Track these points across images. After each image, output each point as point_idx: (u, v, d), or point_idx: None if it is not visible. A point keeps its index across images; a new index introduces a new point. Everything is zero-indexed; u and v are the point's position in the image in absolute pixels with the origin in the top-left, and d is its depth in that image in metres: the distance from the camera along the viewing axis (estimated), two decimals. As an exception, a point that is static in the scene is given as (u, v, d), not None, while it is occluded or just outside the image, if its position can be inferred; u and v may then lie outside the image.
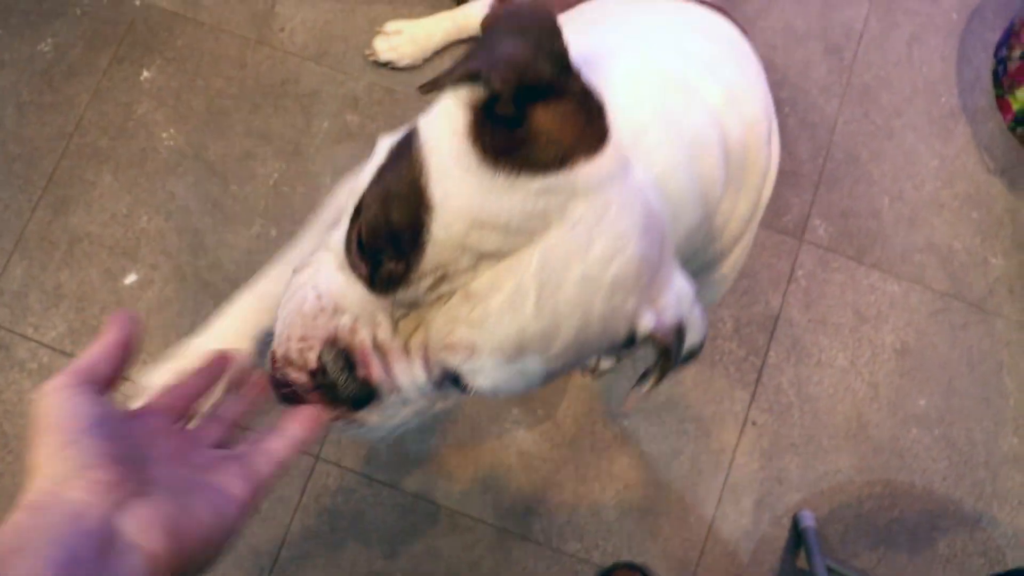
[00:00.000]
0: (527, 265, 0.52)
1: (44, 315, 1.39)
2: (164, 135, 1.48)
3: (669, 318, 0.58)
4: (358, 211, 0.55)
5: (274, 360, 0.59)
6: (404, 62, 1.51)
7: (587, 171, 0.52)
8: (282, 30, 1.55)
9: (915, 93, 1.54)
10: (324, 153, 1.48)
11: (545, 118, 0.52)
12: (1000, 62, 1.52)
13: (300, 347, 0.58)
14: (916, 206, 1.48)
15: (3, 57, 1.51)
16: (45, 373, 1.37)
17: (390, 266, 0.53)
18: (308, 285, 0.59)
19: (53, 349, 1.38)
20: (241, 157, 1.47)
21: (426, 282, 0.52)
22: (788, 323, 1.43)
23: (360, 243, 0.55)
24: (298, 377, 0.58)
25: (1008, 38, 1.51)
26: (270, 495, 1.32)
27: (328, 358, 0.57)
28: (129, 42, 1.53)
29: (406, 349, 0.56)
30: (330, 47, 1.54)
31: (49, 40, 1.52)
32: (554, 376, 0.57)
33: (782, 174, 1.46)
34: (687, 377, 1.39)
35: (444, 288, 0.53)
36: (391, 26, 1.52)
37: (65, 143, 1.47)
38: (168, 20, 1.54)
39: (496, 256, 0.52)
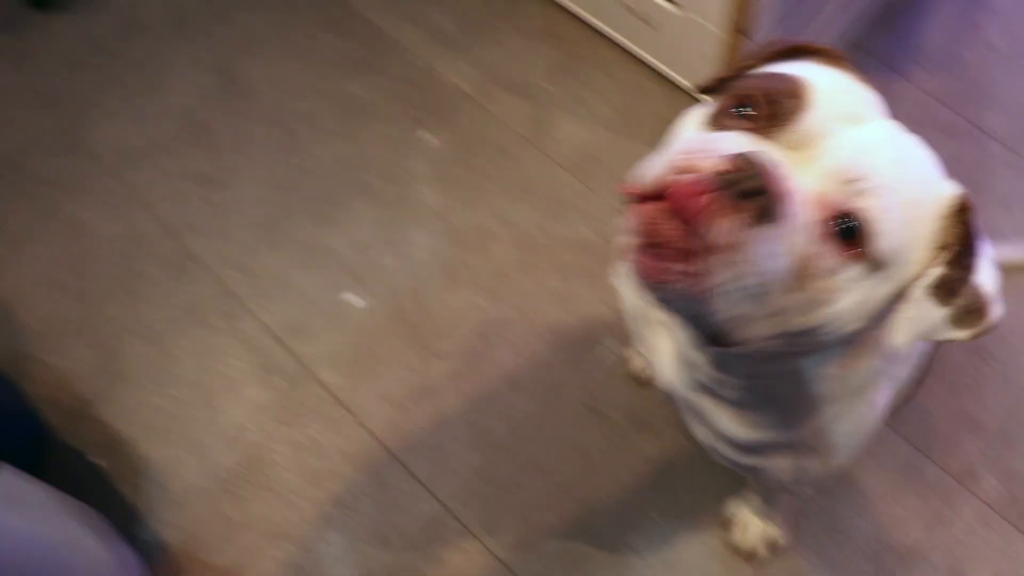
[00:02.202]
0: (873, 127, 0.68)
1: (273, 303, 1.65)
2: (426, 190, 1.74)
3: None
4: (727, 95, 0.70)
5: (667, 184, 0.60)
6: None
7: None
8: (553, 139, 1.79)
9: None
10: (555, 253, 1.69)
11: None
12: None
13: (696, 161, 0.60)
14: (1096, 494, 1.50)
15: (323, 87, 1.84)
16: (254, 349, 1.61)
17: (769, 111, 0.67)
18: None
19: (268, 333, 1.63)
20: (481, 231, 1.71)
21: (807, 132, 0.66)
22: (924, 560, 1.47)
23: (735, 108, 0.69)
24: (699, 176, 0.59)
25: None
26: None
27: (737, 163, 0.59)
28: (425, 107, 1.82)
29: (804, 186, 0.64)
30: (588, 166, 1.76)
31: (365, 86, 1.84)
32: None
33: (965, 417, 1.53)
34: (805, 566, 1.45)
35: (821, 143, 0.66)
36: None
37: (343, 171, 1.76)
38: (462, 99, 1.83)
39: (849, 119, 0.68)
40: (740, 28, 1.53)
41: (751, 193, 0.59)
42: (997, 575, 1.45)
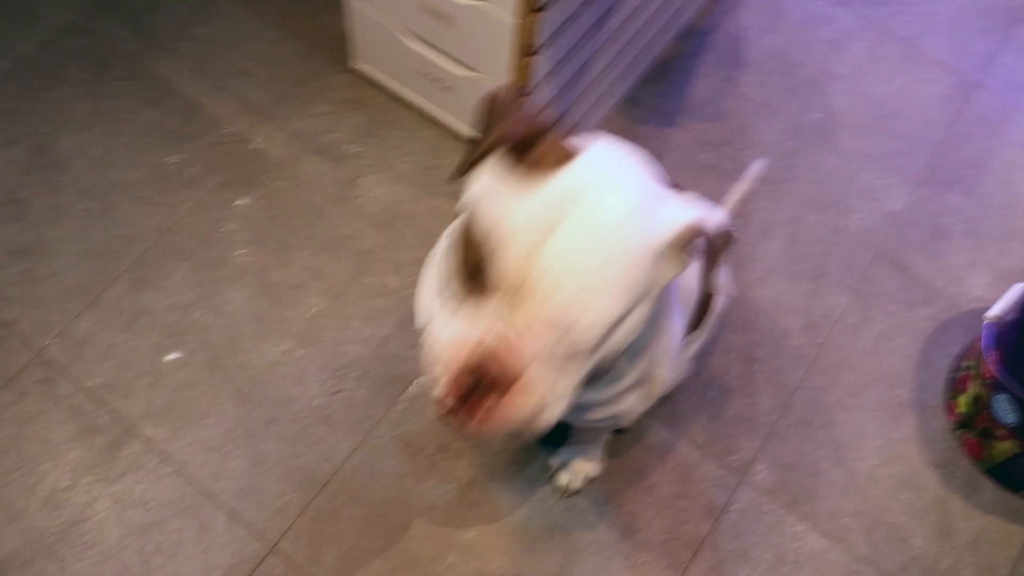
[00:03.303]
0: (573, 230, 0.87)
1: (92, 365, 1.74)
2: (238, 252, 1.87)
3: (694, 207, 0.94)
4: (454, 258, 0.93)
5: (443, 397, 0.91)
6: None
7: (571, 168, 0.90)
8: (359, 197, 1.96)
9: (874, 380, 1.83)
10: (361, 302, 1.84)
11: (540, 151, 0.92)
12: (953, 371, 1.81)
13: (451, 376, 0.90)
14: (854, 475, 1.73)
15: (138, 159, 1.96)
16: (74, 412, 1.69)
17: (486, 276, 0.89)
18: (436, 335, 0.94)
19: (88, 395, 1.71)
20: (294, 286, 1.84)
21: (512, 279, 0.87)
22: (712, 548, 1.66)
23: (463, 275, 0.92)
24: (454, 398, 0.90)
25: (964, 351, 1.81)
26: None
27: (472, 376, 0.89)
28: (238, 173, 1.96)
29: (522, 331, 0.87)
30: (394, 221, 1.93)
31: (177, 155, 1.97)
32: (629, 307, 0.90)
33: (739, 418, 1.75)
34: (612, 566, 1.62)
35: (525, 281, 0.87)
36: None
37: (159, 236, 1.88)
38: (272, 165, 1.98)
39: (546, 237, 0.87)
40: (522, 89, 1.75)
41: (493, 380, 0.88)
42: (777, 554, 1.66)
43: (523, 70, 1.70)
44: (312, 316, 1.81)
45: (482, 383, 0.89)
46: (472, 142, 0.97)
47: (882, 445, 1.76)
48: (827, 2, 2.36)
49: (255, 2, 2.21)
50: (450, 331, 0.92)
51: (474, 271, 0.91)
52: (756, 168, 1.74)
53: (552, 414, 0.94)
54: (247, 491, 1.64)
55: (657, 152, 2.06)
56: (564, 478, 1.65)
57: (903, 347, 1.87)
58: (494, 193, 0.92)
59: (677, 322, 1.23)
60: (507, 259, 0.88)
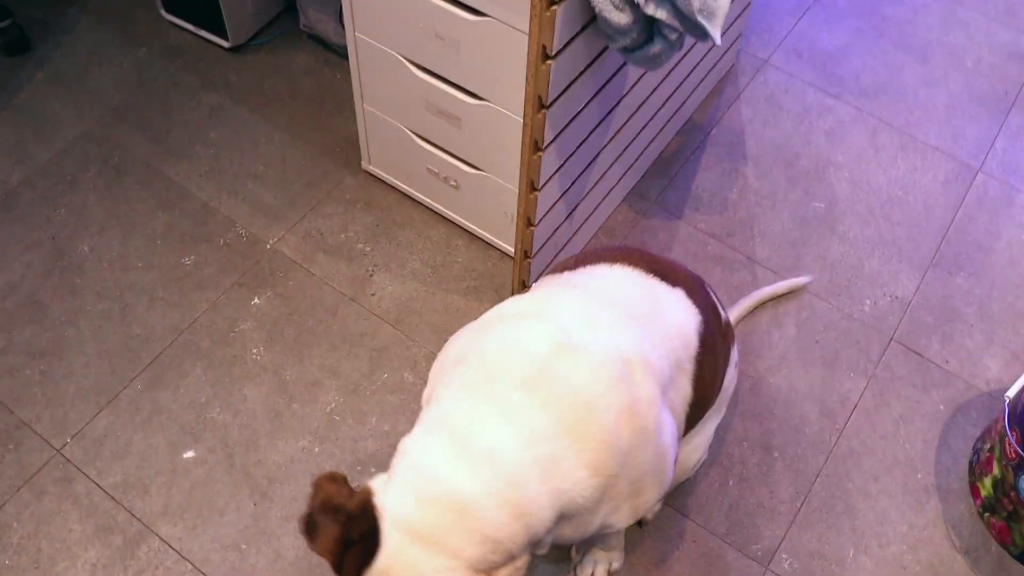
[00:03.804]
0: None
1: (110, 464, 1.74)
2: (255, 350, 1.90)
3: None
4: None
5: None
6: None
7: None
8: (373, 295, 2.00)
9: (895, 464, 1.83)
10: (377, 398, 1.86)
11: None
12: (976, 452, 1.81)
13: None
14: (880, 562, 1.72)
15: (154, 261, 2.00)
16: (92, 511, 1.69)
17: None
18: None
19: (106, 494, 1.71)
20: (310, 383, 1.87)
21: None
22: (741, 639, 1.64)
23: None
24: None
25: (984, 433, 1.82)
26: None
27: None
28: (252, 273, 2.00)
29: None
30: (407, 317, 1.97)
31: (192, 257, 2.01)
32: None
33: (760, 506, 1.75)
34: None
35: None
36: None
37: (176, 336, 1.91)
38: (287, 264, 2.02)
39: None
40: (531, 183, 1.80)
41: None
42: (804, 647, 1.64)
43: (532, 167, 1.76)
44: (329, 413, 1.82)
45: None
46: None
47: (907, 531, 1.75)
48: (823, 94, 2.44)
49: (267, 107, 2.29)
50: None
51: None
52: (800, 280, 1.81)
53: None
54: (265, 591, 1.63)
55: (666, 244, 2.10)
56: (587, 569, 1.64)
57: (922, 431, 1.87)
58: None
59: (665, 438, 1.24)
60: None
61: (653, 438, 1.20)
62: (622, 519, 1.24)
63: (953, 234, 2.19)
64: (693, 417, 1.40)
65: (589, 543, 1.63)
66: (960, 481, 1.82)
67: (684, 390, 1.33)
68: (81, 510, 1.69)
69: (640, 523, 1.72)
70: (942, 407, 1.91)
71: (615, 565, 1.65)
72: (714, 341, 1.41)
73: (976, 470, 1.78)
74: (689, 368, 1.33)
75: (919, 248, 2.16)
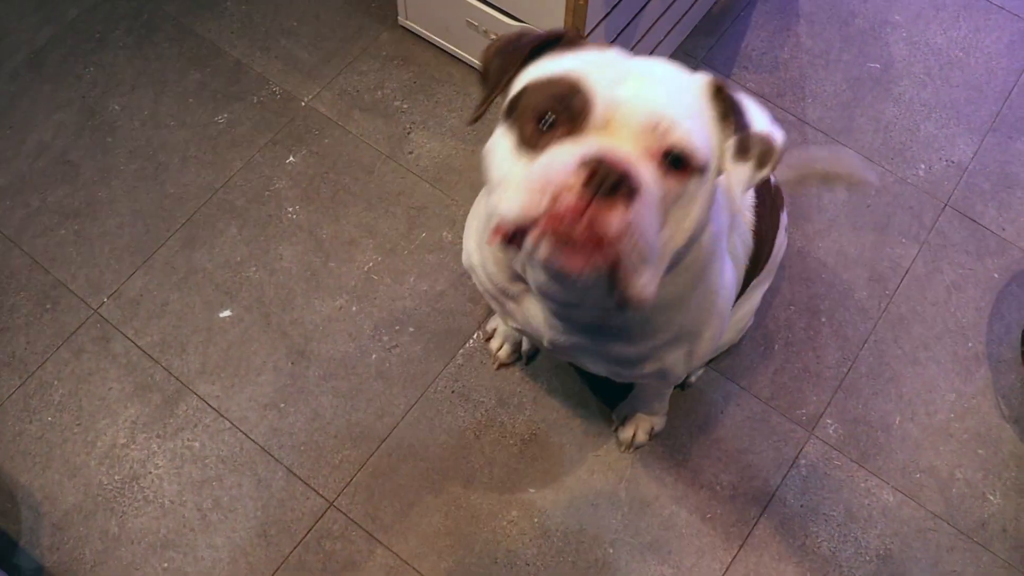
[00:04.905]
0: (638, 79, 0.87)
1: (146, 323, 1.72)
2: (290, 209, 1.84)
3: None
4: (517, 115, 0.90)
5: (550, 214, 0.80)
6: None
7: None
8: (411, 153, 1.92)
9: (945, 332, 1.76)
10: (415, 257, 1.80)
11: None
12: (1029, 323, 1.74)
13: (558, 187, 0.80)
14: (926, 430, 1.67)
15: (186, 119, 1.93)
16: (130, 370, 1.67)
17: (566, 115, 0.85)
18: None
19: (144, 352, 1.69)
20: (346, 242, 1.81)
21: (600, 113, 0.85)
22: (781, 503, 1.61)
23: (529, 132, 0.87)
24: (572, 196, 0.79)
25: (1039, 303, 1.74)
26: (278, 526, 1.55)
27: (588, 169, 0.79)
28: (286, 131, 1.93)
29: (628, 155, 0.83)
30: (446, 176, 1.90)
31: (225, 115, 1.94)
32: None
33: (805, 371, 1.69)
34: (679, 521, 1.58)
35: (612, 118, 0.85)
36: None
37: (210, 195, 1.85)
38: (322, 122, 1.95)
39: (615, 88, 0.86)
40: (576, 33, 1.70)
41: (611, 185, 0.78)
42: (848, 509, 1.60)
43: (577, 14, 1.65)
44: (366, 272, 1.78)
45: (599, 194, 0.79)
46: (485, 83, 0.98)
47: (955, 399, 1.70)
48: (885, -50, 2.28)
49: (300, -39, 2.17)
50: (543, 163, 0.83)
51: (543, 120, 0.86)
52: (867, 173, 1.59)
53: (647, 288, 0.85)
54: (304, 447, 1.61)
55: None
56: (628, 431, 1.60)
57: (975, 299, 1.80)
58: (548, 63, 0.93)
59: (726, 278, 1.17)
60: (591, 94, 0.85)
61: (717, 271, 1.13)
62: (678, 362, 1.18)
63: (1016, 98, 2.06)
64: (747, 276, 1.33)
65: (632, 406, 1.59)
66: (1012, 351, 1.75)
67: (746, 238, 1.25)
68: (120, 369, 1.67)
69: (683, 385, 1.67)
70: (996, 275, 1.83)
71: (657, 428, 1.61)
72: (770, 197, 1.33)
73: (1030, 339, 1.71)
74: (749, 217, 1.25)
75: (978, 111, 2.04)
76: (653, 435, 1.62)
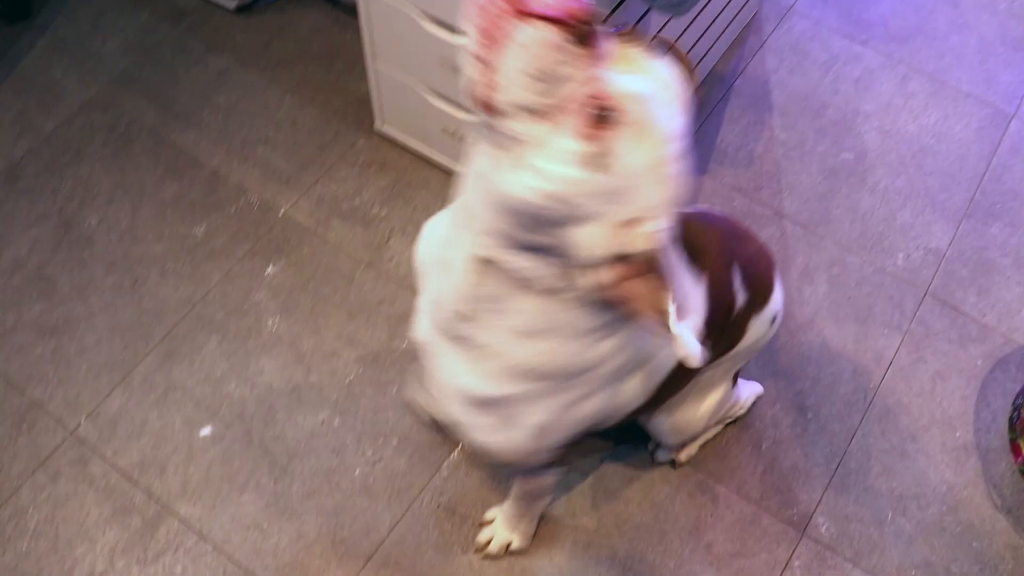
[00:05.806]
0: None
1: (125, 443, 1.69)
2: (270, 321, 1.83)
3: None
4: None
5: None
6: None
7: None
8: (391, 260, 1.92)
9: (932, 423, 1.76)
10: (398, 368, 1.79)
11: None
12: (1016, 409, 1.74)
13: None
14: (919, 524, 1.65)
15: (164, 231, 1.93)
16: (109, 493, 1.64)
17: None
18: None
19: (122, 474, 1.66)
20: (328, 353, 1.80)
21: None
22: (778, 607, 1.58)
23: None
24: None
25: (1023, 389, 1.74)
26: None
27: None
28: (264, 241, 1.93)
29: None
30: (426, 280, 1.89)
31: (203, 226, 1.94)
32: None
33: (794, 469, 1.68)
34: (671, 633, 1.54)
35: None
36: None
37: (189, 308, 1.84)
38: (300, 231, 1.95)
39: None
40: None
41: None
42: (843, 614, 1.58)
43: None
44: (348, 384, 1.76)
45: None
46: None
47: (946, 491, 1.69)
48: (850, 41, 2.33)
49: (275, 69, 2.20)
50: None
51: None
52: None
53: None
54: (289, 567, 1.57)
55: (691, 199, 2.01)
56: (483, 534, 1.58)
57: (960, 387, 1.80)
58: None
59: (590, 403, 1.15)
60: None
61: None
62: (639, 389, 1.17)
63: (988, 183, 2.09)
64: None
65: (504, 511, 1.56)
66: (1000, 439, 1.74)
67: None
68: (98, 492, 1.64)
69: (673, 463, 1.65)
70: (980, 362, 1.83)
71: (514, 546, 1.58)
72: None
73: (1017, 427, 1.71)
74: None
75: (953, 198, 2.07)
76: (505, 550, 1.58)
